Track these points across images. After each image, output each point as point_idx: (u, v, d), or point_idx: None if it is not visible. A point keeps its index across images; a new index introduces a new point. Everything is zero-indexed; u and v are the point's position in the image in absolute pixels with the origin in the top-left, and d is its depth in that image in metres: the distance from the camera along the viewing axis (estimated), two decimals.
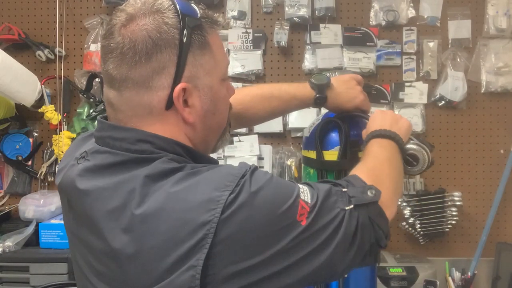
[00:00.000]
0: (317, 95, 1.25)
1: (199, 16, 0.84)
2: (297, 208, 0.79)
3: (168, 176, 0.78)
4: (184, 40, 0.81)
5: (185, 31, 0.81)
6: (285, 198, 0.80)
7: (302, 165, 1.72)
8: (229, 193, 0.75)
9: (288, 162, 2.07)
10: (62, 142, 2.03)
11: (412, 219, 1.97)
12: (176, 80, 0.81)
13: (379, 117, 1.14)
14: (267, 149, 2.08)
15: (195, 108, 0.85)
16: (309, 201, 0.81)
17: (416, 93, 2.06)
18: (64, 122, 2.08)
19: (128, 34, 0.80)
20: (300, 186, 0.84)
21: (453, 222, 1.98)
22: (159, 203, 0.76)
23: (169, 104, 0.82)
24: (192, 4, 0.85)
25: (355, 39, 2.06)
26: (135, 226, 0.76)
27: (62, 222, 1.93)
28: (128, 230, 0.77)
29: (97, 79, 2.08)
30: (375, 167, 0.99)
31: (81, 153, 0.88)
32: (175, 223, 0.74)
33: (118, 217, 0.78)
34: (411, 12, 2.06)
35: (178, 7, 0.81)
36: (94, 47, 2.09)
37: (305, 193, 0.82)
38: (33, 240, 1.93)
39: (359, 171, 0.96)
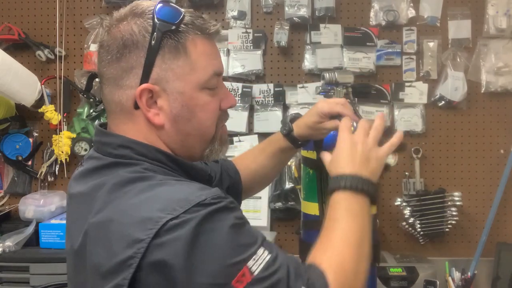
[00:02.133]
0: (283, 127, 1.26)
1: (177, 21, 0.85)
2: (236, 272, 0.73)
3: (133, 183, 0.81)
4: (153, 43, 0.84)
5: (154, 35, 0.83)
6: (230, 255, 0.74)
7: (302, 165, 1.72)
8: (172, 218, 0.74)
9: (288, 162, 2.07)
10: (62, 142, 2.03)
11: (412, 219, 1.97)
12: (143, 81, 0.85)
13: (347, 151, 0.97)
14: None
15: (164, 110, 0.87)
16: (257, 273, 0.74)
17: (416, 93, 2.06)
18: (64, 122, 2.08)
19: (111, 34, 0.87)
20: (260, 251, 0.76)
21: (453, 222, 1.98)
22: (112, 213, 0.79)
23: (136, 103, 0.86)
24: (179, 10, 0.86)
25: (355, 39, 2.06)
26: (90, 231, 0.81)
27: (62, 222, 1.94)
28: (85, 234, 0.82)
29: (97, 79, 2.08)
30: (344, 261, 0.83)
31: (83, 160, 0.96)
32: (116, 235, 0.77)
33: (84, 220, 0.83)
34: (411, 12, 2.06)
35: (155, 11, 0.84)
36: (94, 47, 2.09)
37: (259, 262, 0.75)
38: (33, 240, 1.93)
39: (326, 263, 0.82)
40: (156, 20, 0.84)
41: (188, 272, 0.73)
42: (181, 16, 0.86)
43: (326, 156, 1.05)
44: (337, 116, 1.17)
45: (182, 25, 0.86)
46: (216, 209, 0.76)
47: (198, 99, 0.89)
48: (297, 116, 1.29)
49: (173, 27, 0.84)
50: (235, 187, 1.30)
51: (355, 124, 1.06)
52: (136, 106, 0.86)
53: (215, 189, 0.81)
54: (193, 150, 0.93)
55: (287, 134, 1.24)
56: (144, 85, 0.84)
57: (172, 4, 0.88)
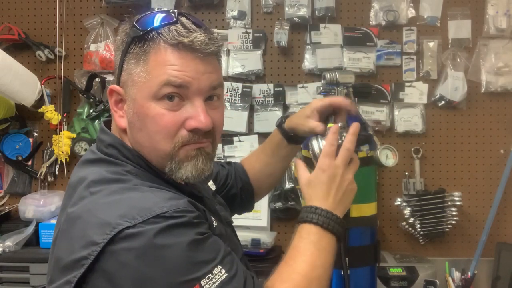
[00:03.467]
0: (278, 122, 1.29)
1: (146, 29, 0.85)
2: None
3: (108, 184, 0.83)
4: (123, 47, 0.88)
5: (126, 39, 0.87)
6: (182, 273, 0.74)
7: None
8: (128, 226, 0.74)
9: (292, 159, 2.06)
10: (62, 142, 2.03)
11: (412, 219, 1.97)
12: (117, 82, 0.90)
13: (318, 182, 0.97)
14: None
15: (127, 114, 0.90)
16: None
17: (416, 93, 2.06)
18: (64, 122, 2.08)
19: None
20: (217, 270, 0.76)
21: (453, 222, 1.98)
22: (82, 210, 0.81)
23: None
24: (160, 18, 0.86)
25: (355, 39, 2.06)
26: (62, 224, 0.84)
27: None
28: (58, 223, 0.87)
29: (97, 79, 2.08)
30: None
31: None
32: (78, 233, 0.79)
33: (62, 211, 0.89)
34: (411, 12, 2.06)
35: (137, 17, 0.88)
36: (94, 47, 2.09)
37: (213, 281, 0.75)
38: (33, 240, 1.93)
39: None
40: (131, 25, 0.87)
41: (135, 286, 0.74)
42: (153, 25, 0.85)
43: (300, 168, 1.03)
44: (330, 119, 1.14)
45: (152, 33, 0.85)
46: (175, 224, 0.75)
47: (148, 109, 0.85)
48: (287, 114, 1.34)
49: (140, 33, 0.85)
50: (246, 188, 1.32)
51: (344, 134, 1.03)
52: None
53: (182, 201, 0.80)
54: (153, 162, 0.90)
55: (279, 125, 1.26)
56: (112, 86, 0.90)
57: (166, 13, 0.87)
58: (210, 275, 0.75)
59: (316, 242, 0.91)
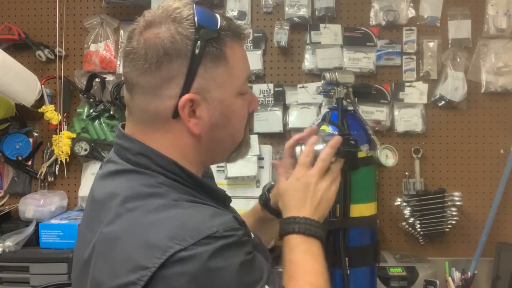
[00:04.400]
0: (259, 198, 1.19)
1: (218, 27, 0.83)
2: None
3: (145, 199, 0.78)
4: (197, 51, 0.80)
5: (198, 43, 0.80)
6: None
7: None
8: (180, 249, 0.71)
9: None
10: (62, 142, 2.03)
11: (412, 219, 1.97)
12: (184, 91, 0.81)
13: (294, 190, 1.00)
14: (267, 149, 2.08)
15: (202, 120, 0.84)
16: None
17: (416, 93, 2.06)
18: (64, 122, 2.08)
19: (142, 40, 0.82)
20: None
21: (453, 222, 1.98)
22: (121, 229, 0.77)
23: (176, 113, 0.83)
24: (215, 15, 0.84)
25: (355, 39, 2.06)
26: (97, 244, 0.79)
27: (62, 222, 1.94)
28: (94, 245, 0.80)
29: (97, 79, 2.08)
30: None
31: (105, 159, 0.94)
32: (121, 255, 0.75)
33: (94, 229, 0.81)
34: (411, 12, 2.06)
35: (196, 17, 0.81)
36: (94, 47, 2.09)
37: None
38: (33, 240, 1.93)
39: None
40: (198, 27, 0.81)
41: None
42: (220, 21, 0.84)
43: (279, 175, 1.06)
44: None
45: (221, 31, 0.84)
46: (226, 245, 0.74)
47: (235, 106, 0.88)
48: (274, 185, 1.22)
49: (216, 34, 0.82)
50: None
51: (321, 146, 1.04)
52: (175, 116, 0.83)
53: (228, 217, 0.78)
54: (219, 156, 0.93)
55: (265, 205, 1.17)
56: (187, 96, 0.81)
57: (208, 8, 0.85)
58: None
59: (307, 250, 0.93)
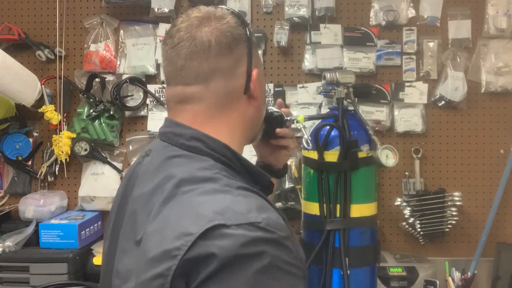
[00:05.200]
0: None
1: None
2: None
3: (199, 183, 0.83)
4: (248, 35, 0.97)
5: (247, 29, 0.97)
6: None
7: (302, 165, 1.72)
8: (224, 224, 0.74)
9: (288, 162, 2.06)
10: (62, 142, 2.03)
11: (412, 219, 1.97)
12: (249, 67, 0.96)
13: None
14: None
15: (257, 91, 0.99)
16: None
17: (416, 93, 2.06)
18: (64, 122, 2.08)
19: (205, 34, 0.92)
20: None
21: (453, 222, 1.98)
22: (173, 207, 0.81)
23: (247, 88, 0.97)
24: None
25: (355, 39, 2.06)
26: (153, 216, 0.83)
27: (62, 222, 1.94)
28: (148, 216, 0.84)
29: (97, 79, 2.08)
30: None
31: (146, 151, 1.00)
32: (171, 225, 0.78)
33: (148, 201, 0.87)
34: (411, 12, 2.06)
35: (233, 11, 0.99)
36: (94, 47, 2.09)
37: None
38: (33, 240, 1.93)
39: None
40: (241, 19, 0.97)
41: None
42: None
43: None
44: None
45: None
46: (265, 239, 0.75)
47: (265, 84, 1.08)
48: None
49: (249, 24, 1.02)
50: None
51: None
52: (246, 91, 0.96)
53: (275, 214, 0.81)
54: (254, 134, 1.08)
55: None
56: (255, 70, 0.98)
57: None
58: None
59: None
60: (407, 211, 1.97)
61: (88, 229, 1.98)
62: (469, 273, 1.90)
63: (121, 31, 2.11)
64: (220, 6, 1.00)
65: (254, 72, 0.97)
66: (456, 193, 1.97)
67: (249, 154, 1.53)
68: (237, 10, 2.00)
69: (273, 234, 0.75)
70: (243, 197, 0.82)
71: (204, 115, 0.95)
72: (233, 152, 0.93)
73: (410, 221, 1.98)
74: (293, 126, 1.30)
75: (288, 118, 1.27)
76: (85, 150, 2.05)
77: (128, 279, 0.83)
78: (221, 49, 0.92)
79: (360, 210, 1.59)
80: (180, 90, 0.95)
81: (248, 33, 0.96)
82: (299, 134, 1.66)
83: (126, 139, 2.12)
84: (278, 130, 1.25)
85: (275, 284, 0.74)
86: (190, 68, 0.93)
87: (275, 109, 1.25)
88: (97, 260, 1.91)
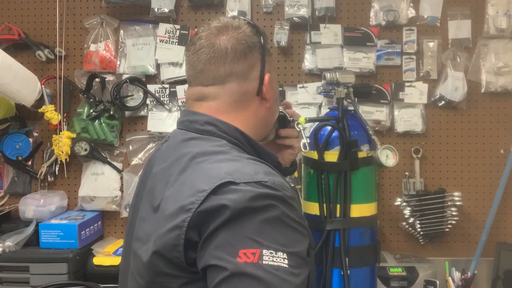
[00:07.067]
0: None
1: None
2: (250, 246, 0.80)
3: (213, 155, 0.94)
4: (262, 42, 1.08)
5: (261, 37, 1.08)
6: (255, 234, 0.81)
7: (302, 165, 1.72)
8: (234, 181, 0.85)
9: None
10: (62, 142, 2.03)
11: (412, 219, 1.97)
12: (262, 72, 1.07)
13: None
14: None
15: (270, 94, 1.10)
16: (265, 263, 0.79)
17: (416, 93, 2.06)
18: (64, 122, 2.08)
19: (223, 42, 1.04)
20: (281, 255, 0.82)
21: (453, 222, 1.98)
22: (190, 172, 0.92)
23: (259, 91, 1.07)
24: None
25: (355, 39, 2.06)
26: (171, 183, 0.93)
27: (62, 222, 1.94)
28: (166, 184, 0.95)
29: (97, 79, 2.08)
30: None
31: (165, 138, 1.13)
32: (186, 186, 0.89)
33: (165, 173, 0.98)
34: (411, 12, 2.06)
35: (248, 21, 1.09)
36: (94, 47, 2.09)
37: (273, 260, 0.80)
38: (33, 240, 1.93)
39: None
40: (256, 28, 1.08)
41: (213, 236, 0.82)
42: None
43: None
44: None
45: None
46: (271, 195, 0.84)
47: (277, 88, 1.17)
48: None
49: (264, 33, 1.11)
50: None
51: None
52: (258, 93, 1.07)
53: (279, 178, 0.91)
54: (266, 132, 1.18)
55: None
56: (267, 75, 1.08)
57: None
58: (274, 253, 0.80)
59: None
60: (407, 211, 1.97)
61: (88, 229, 1.98)
62: (469, 273, 1.90)
63: (121, 31, 2.11)
64: (238, 17, 1.11)
65: (266, 77, 1.07)
66: (456, 193, 1.97)
67: None
68: (237, 10, 2.07)
69: (279, 192, 0.86)
70: (252, 164, 0.93)
71: (219, 109, 1.05)
72: (243, 134, 1.03)
73: (410, 221, 1.98)
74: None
75: (291, 118, 1.33)
76: (85, 150, 2.05)
77: (148, 241, 0.92)
78: (236, 55, 1.04)
79: (360, 210, 1.59)
80: (199, 90, 1.06)
81: (262, 41, 1.07)
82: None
83: (126, 139, 2.13)
84: (280, 130, 1.30)
85: (280, 236, 0.82)
86: (209, 71, 1.04)
87: (280, 110, 1.29)
88: (97, 260, 1.91)
